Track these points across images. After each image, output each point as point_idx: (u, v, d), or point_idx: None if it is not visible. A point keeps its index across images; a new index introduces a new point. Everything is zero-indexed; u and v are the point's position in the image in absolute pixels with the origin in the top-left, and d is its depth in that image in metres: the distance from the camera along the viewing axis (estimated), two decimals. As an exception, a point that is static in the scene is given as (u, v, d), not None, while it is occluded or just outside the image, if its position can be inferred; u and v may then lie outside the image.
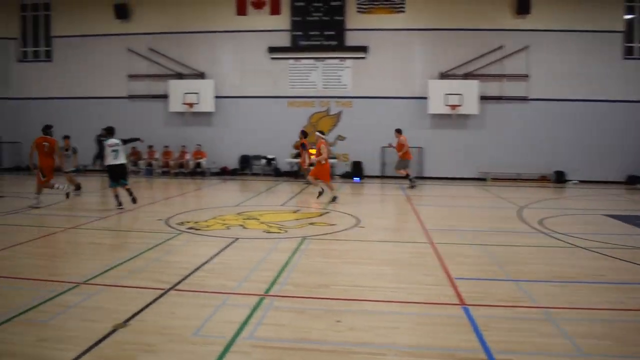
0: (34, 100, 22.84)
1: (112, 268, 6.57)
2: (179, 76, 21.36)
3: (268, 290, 5.74)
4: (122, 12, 21.53)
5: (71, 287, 5.76)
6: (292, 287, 5.87)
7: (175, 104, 20.99)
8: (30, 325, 4.67)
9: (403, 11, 20.05)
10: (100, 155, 12.43)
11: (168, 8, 21.47)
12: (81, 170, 14.71)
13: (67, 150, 14.40)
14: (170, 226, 9.50)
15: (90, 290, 5.68)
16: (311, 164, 16.96)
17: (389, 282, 6.13)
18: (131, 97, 21.92)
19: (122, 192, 11.75)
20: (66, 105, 22.32)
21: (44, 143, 11.93)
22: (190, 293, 5.63)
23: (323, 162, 13.07)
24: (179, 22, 21.35)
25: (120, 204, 11.53)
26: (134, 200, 11.78)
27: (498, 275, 6.52)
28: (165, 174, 20.71)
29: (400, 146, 16.49)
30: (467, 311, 5.13)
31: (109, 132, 12.08)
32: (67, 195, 12.82)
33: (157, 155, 21.15)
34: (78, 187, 14.05)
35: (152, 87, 21.76)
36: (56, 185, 12.34)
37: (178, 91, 20.93)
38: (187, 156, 20.73)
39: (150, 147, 20.93)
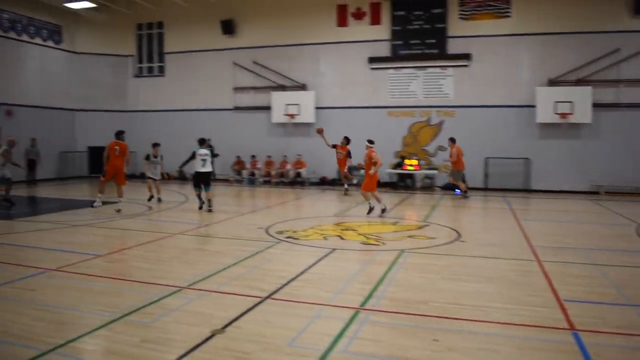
0: (147, 112, 24.49)
1: (213, 274, 6.76)
2: (282, 88, 21.90)
3: (364, 303, 5.63)
4: (229, 28, 22.49)
5: (175, 291, 5.98)
6: (388, 302, 5.71)
7: (278, 115, 21.52)
8: (135, 326, 4.88)
9: (509, 16, 19.24)
10: (187, 162, 13.47)
11: (271, 23, 22.13)
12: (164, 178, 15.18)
13: (155, 157, 14.74)
14: (269, 235, 9.67)
15: (191, 295, 5.87)
16: (349, 170, 17.82)
17: (491, 301, 5.79)
18: (236, 108, 22.77)
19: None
20: (176, 117, 23.71)
21: (115, 147, 12.94)
22: (287, 302, 5.64)
23: (372, 172, 12.43)
24: (282, 36, 21.94)
25: (202, 205, 13.05)
26: (209, 210, 12.85)
27: (614, 299, 5.94)
28: (266, 183, 21.26)
29: (457, 157, 16.51)
30: (577, 337, 4.70)
31: (201, 142, 13.33)
32: (96, 206, 13.15)
33: (259, 164, 21.76)
34: (150, 198, 14.58)
35: (256, 99, 22.49)
36: (96, 203, 13.11)
37: (280, 103, 21.45)
38: (288, 166, 21.15)
39: (253, 157, 21.62)
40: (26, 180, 20.57)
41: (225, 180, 21.07)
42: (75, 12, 23.07)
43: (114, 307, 5.42)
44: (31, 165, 20.54)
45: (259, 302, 5.59)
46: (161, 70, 24.49)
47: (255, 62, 22.38)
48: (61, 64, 23.64)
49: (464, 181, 17.07)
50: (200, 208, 13.03)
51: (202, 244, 8.90)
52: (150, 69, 24.85)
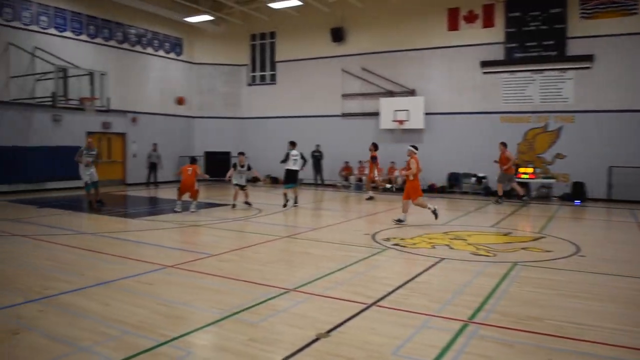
0: (259, 119, 25.41)
1: (319, 278, 6.80)
2: (390, 94, 21.76)
3: (473, 316, 5.38)
4: (338, 36, 22.76)
5: (282, 293, 6.08)
6: (499, 316, 5.41)
7: (386, 121, 21.41)
8: (244, 325, 5.01)
9: (636, 13, 17.74)
10: (284, 160, 15.14)
11: (380, 29, 22.10)
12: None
13: (242, 166, 14.81)
14: (376, 241, 9.58)
15: (298, 298, 5.93)
16: (373, 180, 17.82)
17: (613, 322, 5.29)
18: (344, 115, 22.96)
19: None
20: (286, 123, 24.36)
21: (188, 169, 13.83)
22: (392, 310, 5.52)
23: (411, 178, 11.89)
24: (391, 42, 21.83)
25: (287, 203, 14.59)
26: (295, 205, 14.67)
27: None
28: (374, 189, 21.15)
29: (506, 160, 16.28)
30: None
31: (292, 145, 15.38)
32: (176, 211, 13.53)
33: (367, 170, 21.73)
34: (234, 206, 14.61)
35: (364, 105, 22.54)
36: (177, 209, 13.59)
37: (388, 109, 21.32)
38: (396, 172, 20.94)
39: (361, 162, 21.66)
40: (147, 182, 22.08)
41: (333, 186, 21.27)
42: (194, 25, 24.45)
43: (224, 304, 5.60)
44: (152, 168, 22.04)
45: (364, 309, 5.53)
46: (273, 78, 25.30)
47: (363, 69, 22.45)
48: (181, 74, 25.19)
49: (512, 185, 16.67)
50: (285, 206, 14.68)
51: (308, 248, 9.00)
52: (262, 78, 25.76)
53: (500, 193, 16.62)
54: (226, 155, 25.14)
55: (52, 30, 19.63)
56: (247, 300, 5.75)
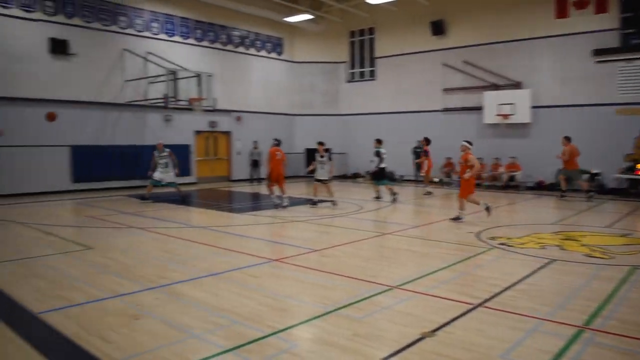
0: (359, 115, 25.46)
1: (422, 276, 6.69)
2: (494, 87, 20.96)
3: (588, 322, 5.03)
4: (438, 29, 22.25)
5: (385, 290, 6.05)
6: (618, 324, 5.02)
7: (490, 116, 20.65)
8: (348, 320, 5.03)
9: None
10: (380, 162, 15.41)
11: (482, 20, 21.33)
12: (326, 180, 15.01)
13: (322, 157, 14.25)
14: (481, 240, 9.27)
15: (401, 295, 5.87)
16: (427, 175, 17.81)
17: None
18: (445, 110, 22.43)
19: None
20: (386, 120, 24.22)
21: (276, 152, 13.72)
22: (500, 312, 5.31)
23: (467, 176, 11.25)
24: (494, 33, 20.98)
25: (378, 198, 15.27)
26: (394, 199, 14.84)
27: None
28: (477, 186, 20.50)
29: (569, 155, 15.88)
30: None
31: (380, 142, 15.65)
32: (280, 206, 13.68)
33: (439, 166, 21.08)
34: (314, 203, 14.23)
35: (466, 99, 21.89)
36: (275, 196, 13.88)
37: (492, 102, 20.54)
38: (501, 169, 20.16)
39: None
40: (250, 179, 22.80)
41: (434, 183, 20.85)
42: (294, 25, 24.93)
43: (327, 299, 5.67)
44: (255, 165, 22.70)
45: (471, 309, 5.36)
46: (372, 74, 25.24)
47: (465, 62, 21.79)
48: (282, 73, 25.79)
49: (567, 181, 16.34)
50: (377, 198, 15.49)
51: (411, 245, 8.89)
52: (361, 74, 25.78)
53: (584, 188, 16.25)
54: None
55: (163, 36, 20.82)
56: (351, 296, 5.78)
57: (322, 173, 14.22)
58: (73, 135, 18.16)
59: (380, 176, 15.44)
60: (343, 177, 25.19)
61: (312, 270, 7.02)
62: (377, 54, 24.87)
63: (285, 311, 5.35)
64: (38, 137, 17.27)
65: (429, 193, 17.47)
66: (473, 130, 21.49)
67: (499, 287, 6.16)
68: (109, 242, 9.17)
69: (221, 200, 16.57)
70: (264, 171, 23.16)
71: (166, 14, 20.90)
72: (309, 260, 7.68)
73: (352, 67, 26.05)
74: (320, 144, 14.60)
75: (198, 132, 22.36)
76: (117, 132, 19.38)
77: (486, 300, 5.66)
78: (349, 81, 26.10)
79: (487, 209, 11.48)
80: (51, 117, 12.99)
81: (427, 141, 17.64)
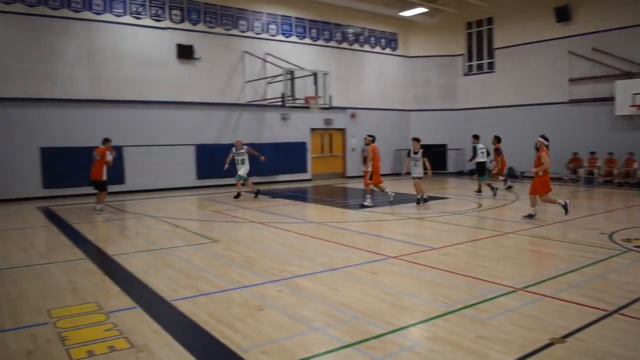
0: (477, 109, 24.61)
1: (549, 278, 6.34)
2: (628, 75, 19.31)
3: None
4: (564, 15, 20.90)
5: (509, 292, 5.80)
6: None
7: (623, 107, 19.03)
8: (470, 321, 4.88)
9: None
10: (474, 157, 16.14)
11: (613, 3, 19.71)
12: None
13: (415, 153, 13.67)
14: (614, 241, 8.60)
15: (527, 298, 5.60)
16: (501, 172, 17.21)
17: None
18: (572, 101, 21.05)
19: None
20: (506, 113, 23.23)
21: (376, 148, 13.60)
22: (639, 321, 4.90)
23: (541, 173, 10.71)
24: (627, 16, 19.30)
25: (495, 191, 15.18)
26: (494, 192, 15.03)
27: None
28: (607, 183, 19.10)
29: None
30: None
31: (477, 138, 16.23)
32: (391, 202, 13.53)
33: (598, 162, 19.68)
34: (423, 200, 13.65)
35: (595, 89, 20.39)
36: (386, 190, 13.74)
37: (626, 92, 18.92)
38: (635, 165, 18.56)
39: (592, 154, 19.67)
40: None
41: (559, 179, 19.67)
42: (409, 19, 24.61)
43: (448, 299, 5.55)
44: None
45: (605, 316, 4.99)
46: (491, 66, 24.29)
47: (594, 49, 20.27)
48: (396, 69, 25.58)
49: None
50: (494, 189, 15.38)
51: (536, 246, 8.45)
52: (479, 66, 24.91)
53: None
54: (442, 147, 24.92)
55: (280, 37, 21.48)
56: (473, 297, 5.61)
57: (416, 170, 13.62)
58: (198, 135, 19.31)
59: (481, 171, 16.06)
60: (459, 174, 24.53)
61: (431, 268, 6.90)
62: (496, 44, 23.87)
63: (405, 309, 5.30)
64: (167, 137, 18.55)
65: (510, 187, 17.34)
66: (603, 123, 20.01)
67: (637, 294, 5.68)
68: (232, 235, 9.64)
69: (336, 196, 16.80)
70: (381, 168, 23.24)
71: (283, 15, 21.54)
72: (427, 258, 7.57)
73: (470, 59, 25.26)
74: (416, 140, 13.93)
75: (313, 130, 22.82)
76: (237, 131, 20.29)
77: (623, 307, 5.24)
78: (466, 74, 25.33)
79: (565, 207, 11.04)
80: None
81: (497, 139, 16.93)
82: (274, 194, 16.42)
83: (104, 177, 12.89)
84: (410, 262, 7.28)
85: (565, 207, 11.06)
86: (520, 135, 21.80)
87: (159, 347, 4.34)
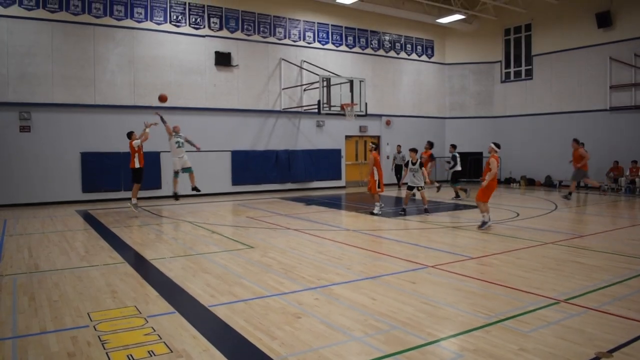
0: (515, 117, 24.21)
1: (592, 290, 6.16)
2: (672, 83, 18.74)
3: None
4: (605, 20, 20.43)
5: (551, 303, 5.65)
6: None
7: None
8: (512, 333, 4.76)
9: None
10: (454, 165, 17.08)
11: (660, 8, 19.20)
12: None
13: (413, 164, 13.66)
14: (661, 253, 8.32)
15: (571, 310, 5.44)
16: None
17: None
18: (612, 109, 20.52)
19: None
20: (544, 120, 22.83)
21: (379, 157, 13.61)
22: (692, 337, 4.71)
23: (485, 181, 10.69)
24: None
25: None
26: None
27: None
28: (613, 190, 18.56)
29: (580, 158, 16.08)
30: None
31: (454, 147, 16.98)
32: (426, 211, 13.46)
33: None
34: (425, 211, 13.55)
35: (637, 96, 19.85)
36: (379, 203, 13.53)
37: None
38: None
39: (634, 162, 19.11)
40: (397, 184, 22.50)
41: (597, 188, 19.17)
42: (445, 26, 24.40)
43: (489, 310, 5.43)
44: (397, 170, 22.12)
45: (655, 330, 4.81)
46: (529, 73, 23.88)
47: (637, 55, 19.75)
48: (432, 76, 25.39)
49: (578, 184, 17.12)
50: (466, 191, 16.72)
51: (577, 256, 8.22)
52: (517, 73, 24.50)
53: (572, 190, 16.35)
54: (478, 155, 24.56)
55: (316, 44, 21.57)
56: (514, 308, 5.48)
57: (413, 180, 13.60)
58: (233, 141, 19.49)
59: (456, 178, 17.17)
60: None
61: (470, 279, 6.78)
62: (535, 51, 23.46)
63: (445, 319, 5.21)
64: (203, 143, 18.75)
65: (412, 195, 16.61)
66: (646, 131, 19.45)
67: (688, 308, 5.46)
68: (268, 242, 9.67)
69: (370, 204, 16.67)
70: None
71: (320, 23, 21.63)
72: (466, 267, 7.44)
73: (507, 66, 24.88)
74: (413, 150, 13.91)
75: (348, 137, 22.79)
76: (272, 137, 20.43)
77: (673, 322, 5.04)
78: (504, 81, 24.94)
79: (484, 224, 10.86)
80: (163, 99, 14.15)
81: (430, 145, 17.74)
82: (309, 201, 16.42)
83: (136, 165, 13.55)
84: (448, 271, 7.17)
85: (484, 224, 10.83)
86: (559, 143, 21.40)
87: (198, 353, 4.36)
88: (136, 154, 13.43)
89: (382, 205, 13.76)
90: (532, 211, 13.95)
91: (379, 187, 13.25)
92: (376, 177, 13.20)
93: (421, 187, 13.64)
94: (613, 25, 20.47)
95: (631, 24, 19.98)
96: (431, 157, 18.38)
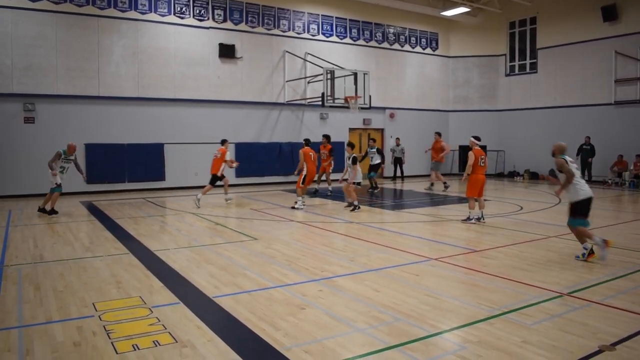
0: (518, 110, 24.14)
1: (596, 284, 6.17)
2: (678, 77, 18.64)
3: None
4: (611, 14, 20.33)
5: (554, 297, 5.66)
6: None
7: (672, 109, 18.40)
8: (515, 326, 4.78)
9: None
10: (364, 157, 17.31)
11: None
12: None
13: (349, 159, 13.34)
14: (661, 247, 8.32)
15: (574, 303, 5.45)
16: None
17: None
18: (617, 103, 20.44)
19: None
20: (548, 114, 22.75)
21: (310, 153, 13.76)
22: (693, 330, 4.72)
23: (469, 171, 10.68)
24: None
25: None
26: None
27: None
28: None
29: (440, 150, 17.71)
30: None
31: (374, 141, 16.77)
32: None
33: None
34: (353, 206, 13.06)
35: (645, 91, 19.81)
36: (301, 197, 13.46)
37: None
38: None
39: (638, 156, 19.05)
40: (393, 177, 22.40)
41: (603, 183, 19.11)
42: (450, 19, 24.31)
43: (492, 302, 5.45)
44: (397, 162, 22.02)
45: (659, 323, 4.82)
46: (533, 66, 23.78)
47: (644, 49, 19.68)
48: (436, 69, 25.31)
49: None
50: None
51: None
52: (522, 67, 24.41)
53: (441, 180, 17.60)
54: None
55: (320, 37, 21.51)
56: (518, 301, 5.49)
57: (351, 176, 13.14)
58: (237, 133, 19.49)
59: (374, 170, 17.66)
60: (499, 176, 24.10)
61: (473, 271, 6.80)
62: (540, 44, 23.36)
63: (448, 311, 5.22)
64: (207, 135, 18.79)
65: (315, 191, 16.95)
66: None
67: (691, 302, 5.47)
68: (272, 234, 9.69)
69: (374, 196, 16.70)
70: (411, 169, 23.03)
71: (324, 15, 21.57)
72: (469, 260, 7.46)
73: (512, 59, 24.78)
74: (350, 145, 13.77)
75: (352, 129, 22.77)
76: (276, 130, 20.43)
77: (676, 316, 5.05)
78: (508, 74, 24.86)
79: (468, 218, 10.84)
80: None
81: (327, 139, 16.80)
82: (311, 193, 16.43)
83: (219, 173, 14.07)
84: (452, 264, 7.18)
85: (468, 219, 10.82)
86: (563, 137, 21.22)
87: (203, 343, 4.39)
88: (223, 163, 14.01)
89: (304, 201, 13.60)
90: (536, 205, 13.94)
91: (303, 183, 13.43)
92: (305, 173, 13.38)
93: (355, 182, 13.06)
94: (619, 19, 20.36)
95: (637, 18, 19.86)
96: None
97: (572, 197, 7.53)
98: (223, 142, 14.53)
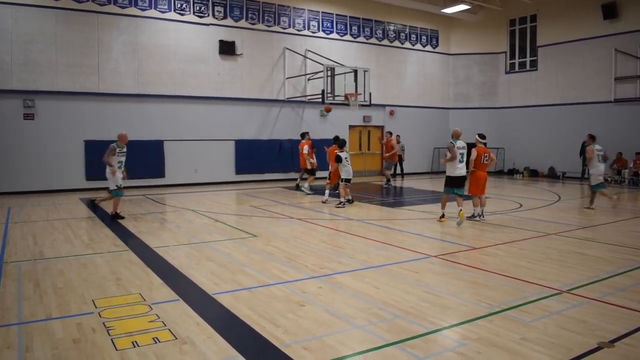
0: (518, 108, 24.13)
1: (595, 281, 6.18)
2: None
3: None
4: (611, 12, 20.31)
5: (554, 294, 5.67)
6: None
7: (671, 107, 18.40)
8: (514, 323, 4.79)
9: None
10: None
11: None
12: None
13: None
14: (662, 244, 8.33)
15: (573, 300, 5.46)
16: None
17: None
18: (617, 101, 20.44)
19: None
20: (548, 112, 22.74)
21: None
22: (691, 327, 4.73)
23: (467, 168, 10.78)
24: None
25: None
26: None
27: None
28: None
29: (390, 148, 18.43)
30: None
31: (593, 138, 13.45)
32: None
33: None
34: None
35: (643, 88, 19.79)
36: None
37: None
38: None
39: (638, 154, 19.06)
40: (394, 174, 22.34)
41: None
42: (450, 16, 24.28)
43: (492, 299, 5.46)
44: (398, 160, 21.87)
45: (658, 320, 4.83)
46: (533, 64, 23.77)
47: (644, 47, 19.66)
48: (436, 66, 25.30)
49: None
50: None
51: (580, 248, 8.23)
52: (522, 64, 24.40)
53: (387, 177, 18.61)
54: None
55: (321, 34, 21.49)
56: (517, 298, 5.50)
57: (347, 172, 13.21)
58: (237, 130, 19.49)
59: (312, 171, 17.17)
60: (499, 174, 24.10)
61: (473, 269, 6.80)
62: (540, 42, 23.35)
63: (448, 308, 5.23)
64: (207, 131, 18.79)
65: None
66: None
67: (690, 299, 5.48)
68: (271, 231, 9.70)
69: (374, 194, 16.72)
70: (412, 166, 23.02)
71: (324, 12, 21.55)
72: (469, 257, 7.47)
73: (512, 57, 24.77)
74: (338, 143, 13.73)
75: (352, 127, 22.77)
76: (276, 127, 20.42)
77: (675, 313, 5.06)
78: (508, 72, 24.85)
79: (459, 213, 10.51)
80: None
81: (302, 136, 16.68)
82: (312, 190, 16.42)
83: (308, 166, 15.91)
84: (451, 261, 7.20)
85: (472, 216, 10.84)
86: (563, 135, 21.38)
87: (202, 340, 4.40)
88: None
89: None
90: (535, 202, 13.95)
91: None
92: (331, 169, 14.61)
93: (344, 179, 13.13)
94: (619, 16, 20.34)
95: (637, 16, 19.84)
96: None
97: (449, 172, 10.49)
98: (303, 135, 15.98)
